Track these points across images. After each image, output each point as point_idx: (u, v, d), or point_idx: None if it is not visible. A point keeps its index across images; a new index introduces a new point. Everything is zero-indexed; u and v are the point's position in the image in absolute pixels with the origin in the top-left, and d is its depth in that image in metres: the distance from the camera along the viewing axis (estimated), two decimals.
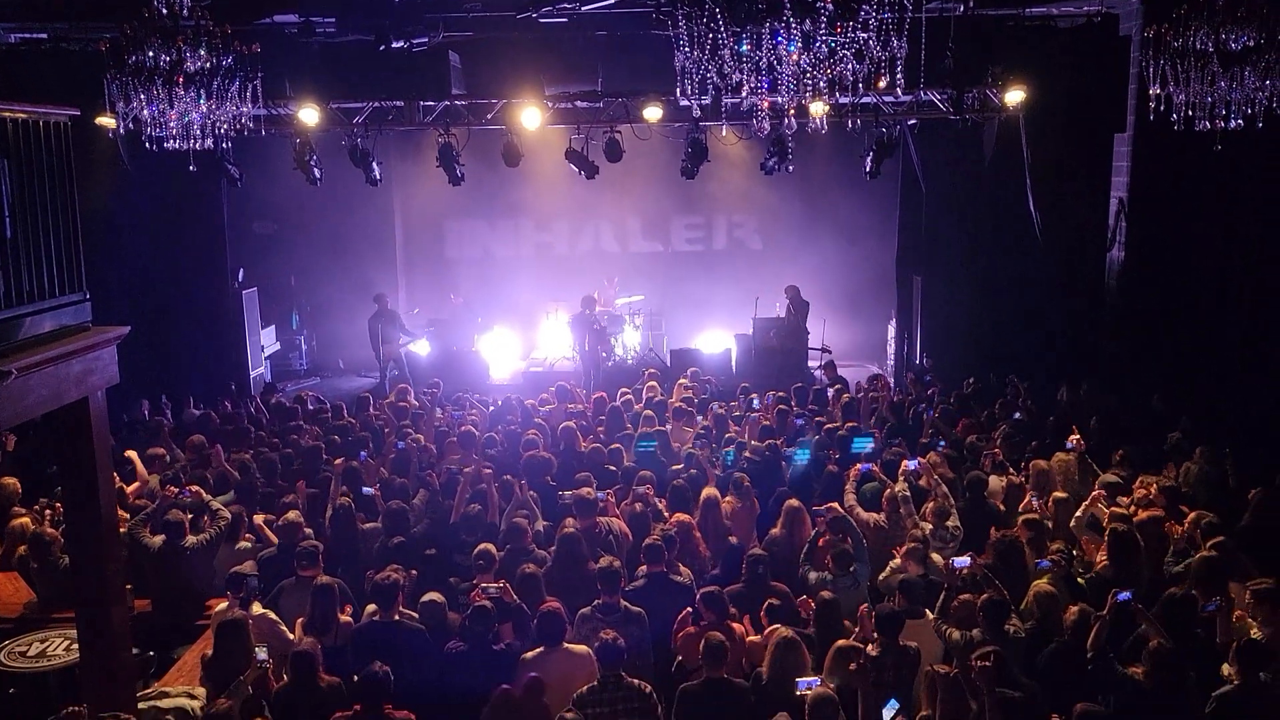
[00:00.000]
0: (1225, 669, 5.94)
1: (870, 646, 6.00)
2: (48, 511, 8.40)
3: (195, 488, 8.13)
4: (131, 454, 9.41)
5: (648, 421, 10.52)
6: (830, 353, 15.48)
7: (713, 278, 18.11)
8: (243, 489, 8.97)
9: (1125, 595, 6.31)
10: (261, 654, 5.96)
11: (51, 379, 5.22)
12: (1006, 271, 14.33)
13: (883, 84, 5.21)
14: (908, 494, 8.12)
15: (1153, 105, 8.82)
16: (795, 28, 4.59)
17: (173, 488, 8.20)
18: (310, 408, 12.16)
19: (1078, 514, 7.96)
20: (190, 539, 7.55)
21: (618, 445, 9.81)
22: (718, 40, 4.79)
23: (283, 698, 5.80)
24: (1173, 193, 12.87)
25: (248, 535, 8.13)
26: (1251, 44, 8.24)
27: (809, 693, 5.39)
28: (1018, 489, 8.69)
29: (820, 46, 4.68)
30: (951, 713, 5.46)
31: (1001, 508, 8.46)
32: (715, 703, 5.79)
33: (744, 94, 4.98)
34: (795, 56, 4.66)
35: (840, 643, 5.94)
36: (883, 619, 6.15)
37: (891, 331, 16.71)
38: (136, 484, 9.15)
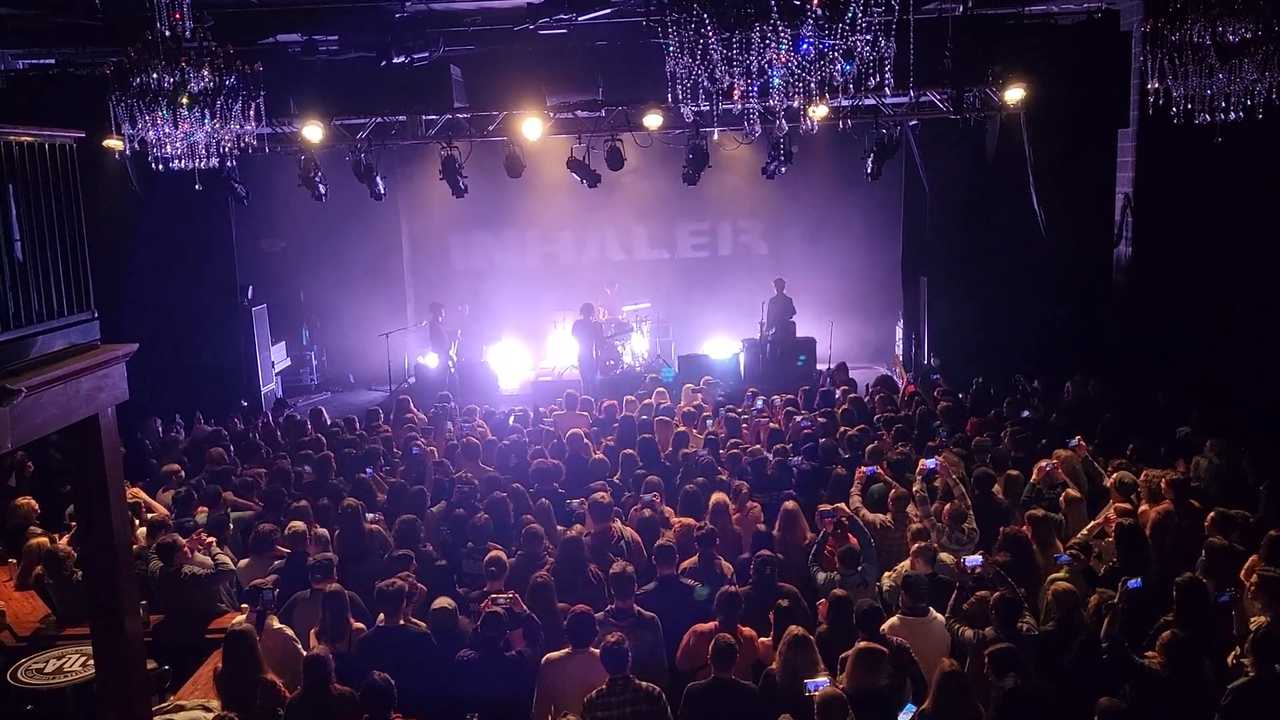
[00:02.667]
0: (1240, 659, 5.92)
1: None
2: (64, 535, 8.45)
3: (203, 535, 8.11)
4: (140, 496, 9.10)
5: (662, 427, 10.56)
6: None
7: (719, 283, 18.14)
8: (271, 501, 8.98)
9: (1135, 583, 6.30)
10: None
11: (61, 397, 5.29)
12: (1013, 270, 14.31)
13: (871, 84, 5.25)
14: (925, 494, 8.14)
15: (1152, 100, 8.83)
16: (783, 32, 4.62)
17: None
18: (324, 422, 12.23)
19: (1084, 533, 7.93)
20: (187, 568, 7.56)
21: (631, 451, 9.82)
22: (707, 45, 4.84)
23: (295, 705, 5.84)
24: (1179, 187, 12.86)
25: (280, 546, 7.97)
26: (1249, 35, 8.26)
27: (817, 694, 5.40)
28: (1015, 481, 8.70)
29: (808, 49, 4.72)
30: (951, 708, 5.48)
31: (1004, 500, 8.50)
32: (721, 703, 5.81)
33: (735, 98, 5.02)
34: (782, 58, 4.70)
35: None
36: (862, 616, 6.16)
37: (899, 333, 16.71)
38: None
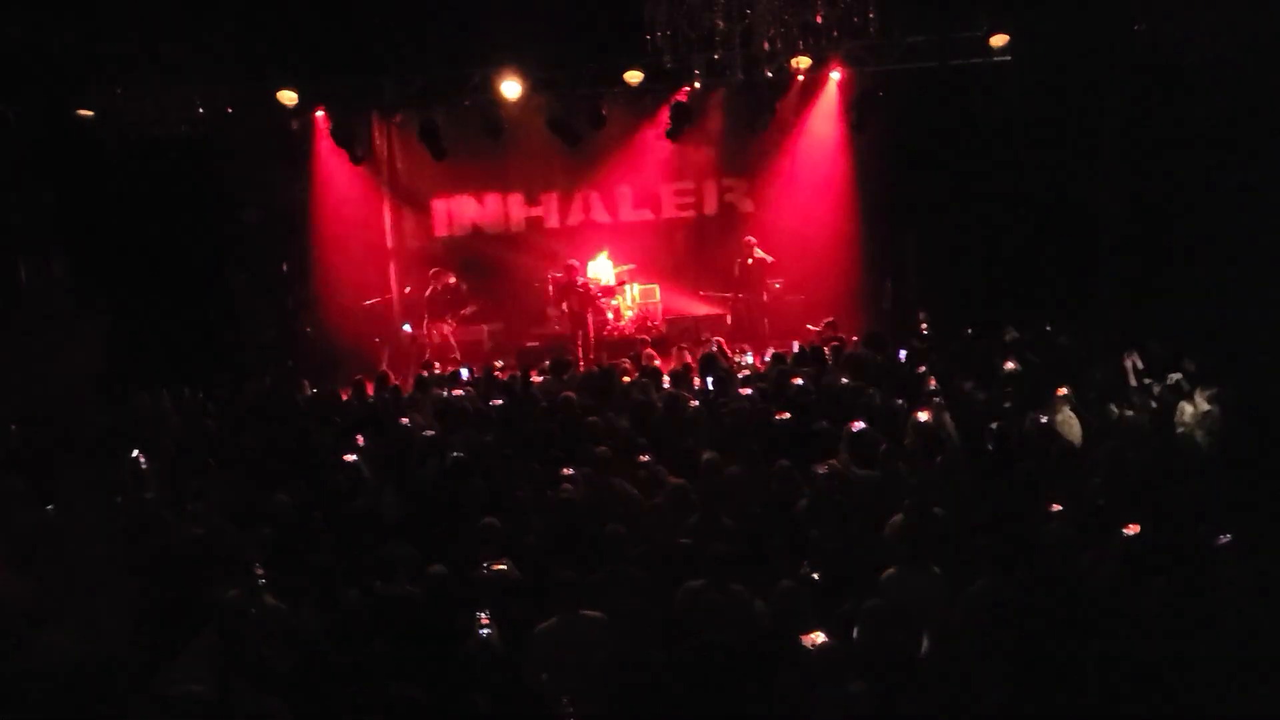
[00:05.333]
0: None
1: None
2: None
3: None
4: None
5: (642, 390, 10.49)
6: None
7: (706, 243, 17.99)
8: (257, 473, 8.92)
9: (1132, 531, 6.28)
10: None
11: None
12: (1000, 220, 14.26)
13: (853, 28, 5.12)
14: (917, 447, 8.10)
15: (1136, 43, 8.72)
16: None
17: None
18: (305, 393, 12.13)
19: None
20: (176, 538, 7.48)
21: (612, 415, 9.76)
22: None
23: (290, 675, 5.79)
24: (1164, 128, 12.76)
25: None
26: None
27: (813, 646, 5.36)
28: (1004, 431, 8.64)
29: None
30: None
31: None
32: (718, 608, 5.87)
33: (716, 41, 4.90)
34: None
35: None
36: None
37: (888, 287, 16.63)
38: None
